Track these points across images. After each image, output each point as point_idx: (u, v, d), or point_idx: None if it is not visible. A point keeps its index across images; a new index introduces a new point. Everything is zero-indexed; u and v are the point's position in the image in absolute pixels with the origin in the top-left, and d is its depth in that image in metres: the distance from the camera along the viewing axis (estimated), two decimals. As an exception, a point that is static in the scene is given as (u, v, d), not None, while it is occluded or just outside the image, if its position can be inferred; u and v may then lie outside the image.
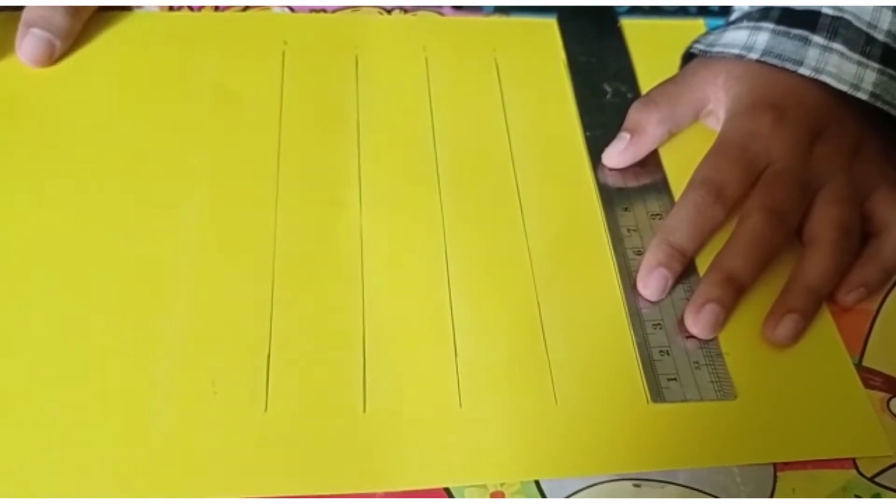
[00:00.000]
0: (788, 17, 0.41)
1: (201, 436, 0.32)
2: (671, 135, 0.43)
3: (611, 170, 0.42)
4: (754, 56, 0.41)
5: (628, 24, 0.49)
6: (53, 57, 0.43)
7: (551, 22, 0.49)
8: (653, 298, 0.37)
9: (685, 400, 0.34)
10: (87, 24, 0.45)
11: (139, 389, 0.33)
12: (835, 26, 0.41)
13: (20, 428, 0.32)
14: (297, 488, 0.31)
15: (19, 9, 0.44)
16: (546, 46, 0.48)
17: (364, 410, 0.33)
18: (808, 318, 0.37)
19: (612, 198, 0.41)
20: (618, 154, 0.42)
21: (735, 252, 0.37)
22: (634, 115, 0.42)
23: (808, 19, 0.41)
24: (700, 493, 0.32)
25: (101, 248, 0.37)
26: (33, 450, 0.31)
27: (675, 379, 0.35)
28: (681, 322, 0.36)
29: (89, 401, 0.33)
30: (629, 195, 0.41)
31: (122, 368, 0.34)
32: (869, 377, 0.36)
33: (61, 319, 0.35)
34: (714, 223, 0.38)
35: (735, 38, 0.42)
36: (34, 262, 0.36)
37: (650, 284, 0.37)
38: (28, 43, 0.43)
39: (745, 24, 0.42)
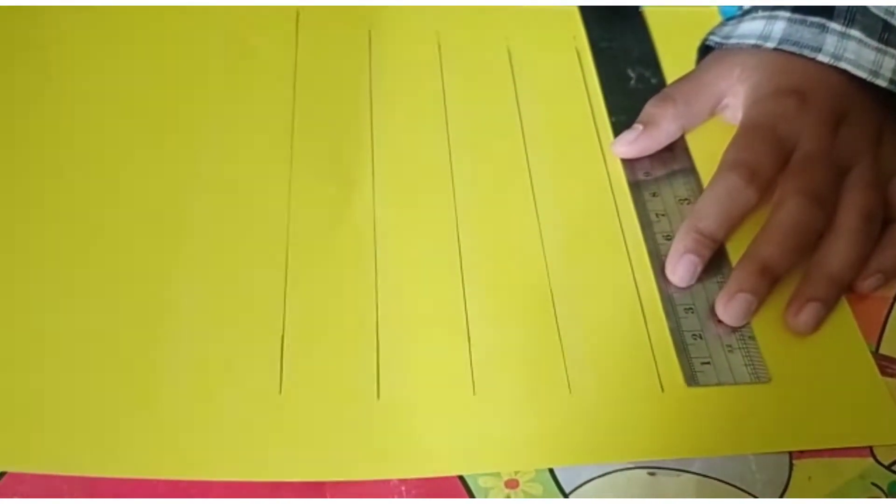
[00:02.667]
0: (804, 5, 0.41)
1: (216, 415, 0.32)
2: (684, 131, 0.43)
3: (627, 159, 0.42)
4: (771, 45, 0.41)
5: (648, 10, 0.49)
6: None
7: (565, 8, 0.49)
8: (682, 284, 0.37)
9: (720, 384, 0.34)
10: None
11: (153, 368, 0.33)
12: (852, 13, 0.40)
13: (31, 404, 0.32)
14: (311, 473, 0.31)
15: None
16: (560, 33, 0.47)
17: (378, 397, 0.33)
18: (829, 306, 0.36)
19: (640, 183, 0.41)
20: (627, 144, 0.42)
21: (771, 240, 0.37)
22: (649, 109, 0.42)
23: (824, 7, 0.41)
24: (715, 482, 0.32)
25: (115, 227, 0.37)
26: (47, 426, 0.31)
27: (708, 363, 0.35)
28: (712, 308, 0.36)
29: (103, 379, 0.33)
30: (657, 180, 0.41)
31: (137, 348, 0.34)
32: (886, 365, 0.36)
33: (74, 298, 0.35)
34: (747, 207, 0.38)
35: (751, 29, 0.42)
36: (47, 236, 0.36)
37: (678, 271, 0.37)
38: None
39: (760, 14, 0.42)
